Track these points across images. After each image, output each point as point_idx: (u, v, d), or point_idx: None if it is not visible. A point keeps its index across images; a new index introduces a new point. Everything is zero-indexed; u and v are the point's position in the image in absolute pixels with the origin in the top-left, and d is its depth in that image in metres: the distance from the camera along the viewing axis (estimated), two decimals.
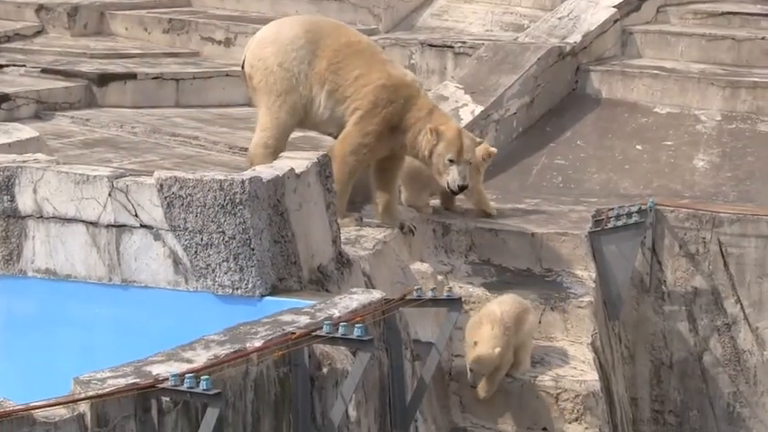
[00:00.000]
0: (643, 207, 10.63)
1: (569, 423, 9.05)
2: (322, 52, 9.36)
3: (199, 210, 7.29)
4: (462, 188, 9.41)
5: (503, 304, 9.16)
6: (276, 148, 9.35)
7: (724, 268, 10.81)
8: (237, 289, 7.31)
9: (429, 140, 9.25)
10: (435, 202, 10.57)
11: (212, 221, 7.28)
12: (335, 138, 9.59)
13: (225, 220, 7.26)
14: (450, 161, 9.28)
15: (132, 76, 13.22)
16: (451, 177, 9.31)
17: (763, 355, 10.82)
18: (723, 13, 14.31)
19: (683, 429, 10.94)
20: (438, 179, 9.47)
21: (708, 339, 10.85)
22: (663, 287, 10.86)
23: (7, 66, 13.43)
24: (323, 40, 9.40)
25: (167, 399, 5.60)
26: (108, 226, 7.43)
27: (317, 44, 9.39)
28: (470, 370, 8.93)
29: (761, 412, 10.85)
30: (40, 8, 15.28)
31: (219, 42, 14.75)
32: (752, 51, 13.59)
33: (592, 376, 9.22)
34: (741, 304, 10.82)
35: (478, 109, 11.99)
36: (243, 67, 9.66)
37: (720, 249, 10.81)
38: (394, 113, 9.30)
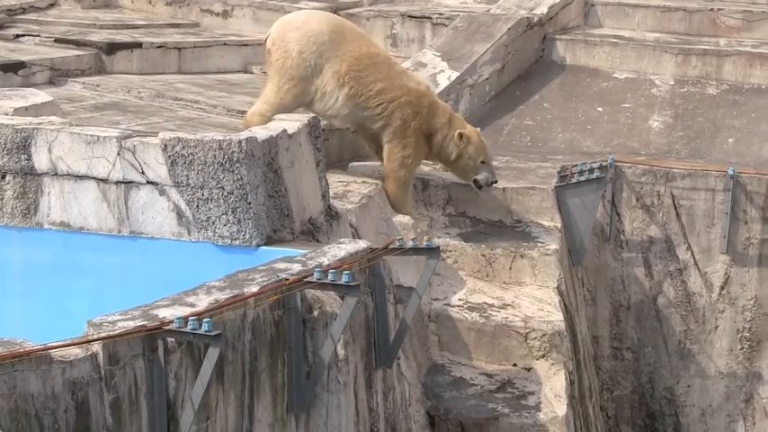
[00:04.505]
0: (603, 164, 10.63)
1: (537, 359, 9.06)
2: (343, 56, 9.24)
3: (200, 167, 7.24)
4: (494, 183, 9.78)
5: None
6: (270, 119, 9.28)
7: (676, 219, 10.81)
8: (236, 239, 7.27)
9: (457, 144, 9.50)
10: None
11: (212, 178, 7.23)
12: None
13: (224, 177, 7.21)
14: (482, 162, 9.61)
15: (138, 45, 13.09)
16: (485, 176, 9.65)
17: (710, 296, 10.84)
18: None
19: (640, 364, 10.98)
20: (463, 177, 9.76)
21: (662, 283, 10.86)
22: (621, 236, 10.86)
23: (23, 36, 13.30)
24: (345, 45, 9.27)
25: (172, 339, 5.57)
26: (117, 182, 7.38)
27: (339, 46, 9.25)
28: None
29: (708, 348, 10.89)
30: None
31: (218, 14, 14.63)
32: (702, 22, 13.55)
33: (557, 317, 9.22)
34: (691, 251, 10.82)
35: (454, 75, 11.93)
36: (266, 41, 9.52)
37: (673, 202, 10.80)
38: (422, 123, 9.48)
